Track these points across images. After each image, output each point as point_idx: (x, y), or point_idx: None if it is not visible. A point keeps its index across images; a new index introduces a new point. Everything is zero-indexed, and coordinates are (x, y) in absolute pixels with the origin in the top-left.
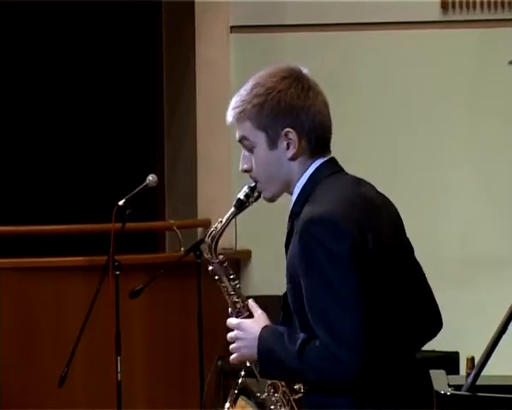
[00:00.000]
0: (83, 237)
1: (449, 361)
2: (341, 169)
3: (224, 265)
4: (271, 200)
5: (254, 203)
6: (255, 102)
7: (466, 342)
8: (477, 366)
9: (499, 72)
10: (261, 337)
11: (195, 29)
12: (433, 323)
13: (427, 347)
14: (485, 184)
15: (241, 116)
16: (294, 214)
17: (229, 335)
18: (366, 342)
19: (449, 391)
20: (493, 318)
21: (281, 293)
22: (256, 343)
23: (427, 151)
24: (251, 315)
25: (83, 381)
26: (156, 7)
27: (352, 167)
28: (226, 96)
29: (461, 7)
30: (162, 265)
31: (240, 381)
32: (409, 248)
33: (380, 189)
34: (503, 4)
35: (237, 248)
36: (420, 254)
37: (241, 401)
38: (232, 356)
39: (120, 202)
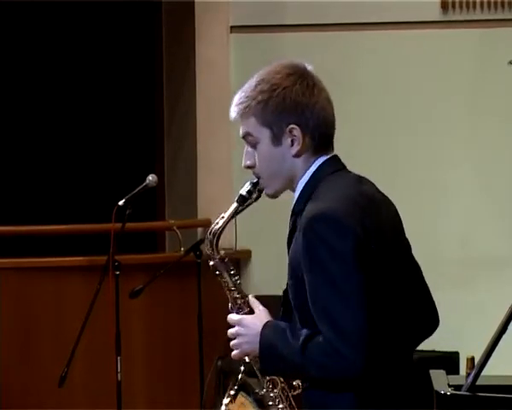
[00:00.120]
0: (83, 237)
1: (449, 361)
2: (344, 167)
3: (225, 261)
4: (274, 196)
5: (254, 203)
6: (260, 98)
7: (466, 342)
8: (477, 366)
9: (499, 72)
10: (263, 333)
11: (195, 29)
12: (430, 321)
13: (427, 347)
14: (485, 184)
15: (245, 112)
16: (297, 212)
17: (230, 331)
18: (369, 338)
19: (449, 391)
20: (493, 318)
21: (281, 293)
22: (257, 339)
23: (427, 151)
24: (251, 311)
25: (83, 381)
26: (156, 7)
27: (352, 167)
28: (226, 96)
29: (461, 7)
30: (162, 265)
31: (239, 377)
32: (407, 247)
33: (380, 188)
34: (503, 4)
35: (237, 248)
36: (420, 254)
37: (241, 398)
38: (233, 353)
39: (120, 202)
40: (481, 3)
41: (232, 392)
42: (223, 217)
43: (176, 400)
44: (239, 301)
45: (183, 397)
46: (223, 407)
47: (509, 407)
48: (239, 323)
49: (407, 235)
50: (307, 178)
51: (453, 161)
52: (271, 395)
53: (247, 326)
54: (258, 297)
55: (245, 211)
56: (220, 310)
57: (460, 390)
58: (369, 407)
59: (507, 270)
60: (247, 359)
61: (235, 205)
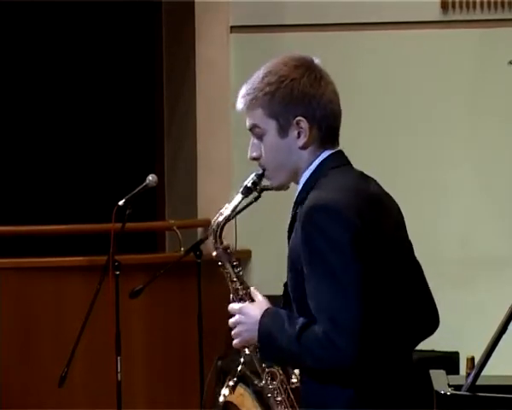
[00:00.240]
0: (83, 237)
1: (449, 361)
2: (349, 163)
3: (228, 251)
4: (279, 188)
5: (254, 203)
6: (267, 89)
7: (466, 342)
8: (477, 366)
9: (499, 72)
10: (261, 321)
11: (195, 29)
12: (430, 320)
13: (427, 347)
14: (485, 184)
15: (252, 103)
16: (299, 202)
17: (231, 320)
18: (365, 330)
19: (449, 391)
20: (493, 318)
21: (281, 293)
22: (257, 327)
23: (427, 151)
24: (253, 302)
25: (83, 381)
26: (156, 7)
27: None
28: (226, 96)
29: (461, 7)
30: (162, 265)
31: (239, 369)
32: (409, 247)
33: None
34: (503, 4)
35: (237, 248)
36: (420, 254)
37: (240, 389)
38: (234, 341)
39: (120, 202)
40: (481, 3)
41: (231, 383)
42: (227, 207)
43: (176, 400)
44: (240, 293)
45: (183, 397)
46: (221, 398)
47: (509, 407)
48: (239, 311)
49: (407, 233)
50: (312, 170)
51: (453, 161)
52: (270, 387)
53: (247, 314)
54: None
55: (245, 211)
56: (220, 310)
57: (460, 390)
58: (368, 404)
59: (507, 270)
60: (247, 351)
61: (239, 196)
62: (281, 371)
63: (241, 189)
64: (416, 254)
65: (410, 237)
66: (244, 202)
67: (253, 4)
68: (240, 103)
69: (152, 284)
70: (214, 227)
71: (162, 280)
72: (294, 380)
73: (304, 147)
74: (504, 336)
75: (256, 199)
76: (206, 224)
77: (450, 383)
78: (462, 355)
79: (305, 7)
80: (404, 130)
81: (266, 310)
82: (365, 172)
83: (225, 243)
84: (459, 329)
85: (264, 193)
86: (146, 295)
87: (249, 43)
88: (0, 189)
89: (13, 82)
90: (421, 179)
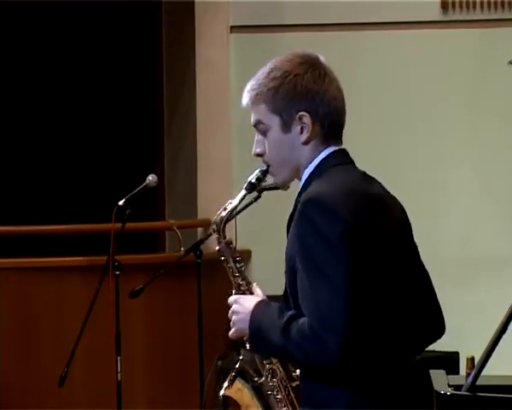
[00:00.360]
0: (83, 237)
1: (449, 361)
2: (351, 161)
3: (231, 246)
4: (282, 185)
5: (254, 203)
6: (271, 85)
7: (466, 342)
8: (477, 366)
9: (499, 72)
10: (253, 313)
11: (195, 29)
12: (435, 326)
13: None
14: (485, 184)
15: (256, 99)
16: (300, 198)
17: (230, 311)
18: (351, 327)
19: (449, 391)
20: (493, 318)
21: (281, 293)
22: (249, 318)
23: (427, 151)
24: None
25: (83, 381)
26: (156, 7)
27: None
28: (226, 96)
29: (461, 7)
30: (162, 265)
31: (237, 365)
32: (414, 251)
33: None
34: (503, 4)
35: (237, 248)
36: (420, 254)
37: (238, 384)
38: (230, 331)
39: (120, 202)
40: (481, 3)
41: (230, 378)
42: (230, 202)
43: (176, 400)
44: (242, 288)
45: (183, 397)
46: (222, 391)
47: (509, 407)
48: (235, 301)
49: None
50: (314, 167)
51: (453, 161)
52: (270, 384)
53: (242, 304)
54: None
55: (245, 211)
56: (220, 310)
57: (460, 390)
58: (367, 406)
59: (507, 270)
60: (247, 346)
61: (243, 192)
62: (281, 369)
63: (246, 185)
64: None
65: None
66: (244, 202)
67: (253, 4)
68: (245, 98)
69: (152, 284)
70: (218, 222)
71: (162, 280)
72: (295, 378)
73: (306, 142)
74: (504, 336)
75: (256, 199)
76: (206, 224)
77: (450, 383)
78: (462, 355)
79: (305, 7)
80: (404, 130)
81: (259, 302)
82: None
83: (228, 237)
84: (459, 329)
85: (265, 193)
86: (146, 295)
87: (249, 43)
88: (0, 189)
89: (13, 82)
90: (421, 179)
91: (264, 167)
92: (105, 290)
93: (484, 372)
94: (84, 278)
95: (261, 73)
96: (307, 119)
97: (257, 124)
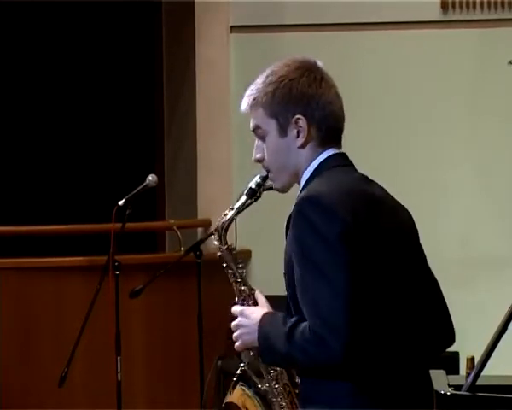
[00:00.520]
0: (83, 237)
1: (449, 361)
2: (351, 164)
3: (233, 252)
4: (282, 190)
5: (254, 203)
6: (268, 89)
7: (466, 342)
8: (477, 366)
9: (499, 72)
10: (261, 324)
11: (195, 29)
12: (444, 333)
13: None
14: (485, 184)
15: (254, 104)
16: None
17: (233, 323)
18: (352, 325)
19: (449, 391)
20: (493, 318)
21: (281, 293)
22: (257, 329)
23: (427, 151)
24: (256, 304)
25: (83, 381)
26: (156, 7)
27: None
28: (226, 96)
29: (461, 7)
30: (162, 265)
31: (240, 369)
32: (422, 257)
33: None
34: (502, 4)
35: (237, 248)
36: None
37: (239, 390)
38: (236, 344)
39: (120, 202)
40: (481, 3)
41: (233, 384)
42: (232, 208)
43: (176, 400)
44: (244, 294)
45: (183, 397)
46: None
47: (509, 407)
48: (241, 314)
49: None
50: (312, 169)
51: (453, 161)
52: (274, 390)
53: (248, 317)
54: None
55: (245, 211)
56: (220, 310)
57: (460, 390)
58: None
59: (507, 270)
60: (251, 353)
61: (244, 198)
62: (285, 375)
63: (246, 190)
64: None
65: None
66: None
67: (253, 4)
68: (243, 104)
69: (152, 284)
70: (219, 228)
71: (162, 280)
72: (299, 385)
73: (303, 146)
74: (504, 336)
75: (256, 199)
76: (206, 224)
77: (450, 383)
78: (462, 355)
79: (304, 7)
80: (404, 130)
81: (265, 314)
82: (365, 173)
83: (229, 243)
84: (459, 329)
85: (265, 193)
86: (146, 295)
87: (249, 43)
88: (0, 189)
89: (13, 82)
90: (421, 179)
91: (264, 173)
92: (105, 290)
93: (484, 372)
94: (84, 278)
95: (259, 79)
96: (303, 122)
97: (255, 129)
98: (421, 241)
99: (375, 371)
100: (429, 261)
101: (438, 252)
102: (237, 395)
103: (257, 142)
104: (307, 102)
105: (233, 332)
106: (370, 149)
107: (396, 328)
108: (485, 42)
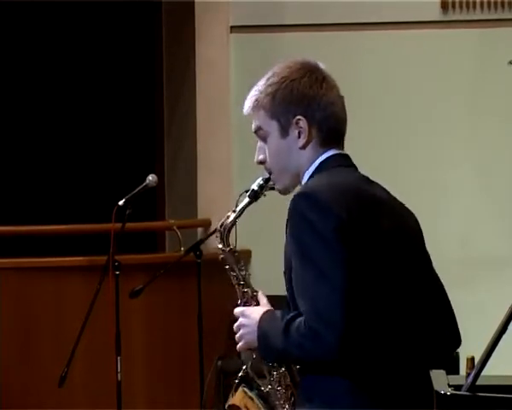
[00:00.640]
0: (83, 237)
1: (449, 361)
2: (352, 165)
3: (235, 254)
4: (285, 192)
5: (254, 203)
6: (269, 90)
7: (466, 342)
8: (477, 366)
9: (499, 72)
10: (260, 323)
11: (195, 29)
12: (449, 336)
13: None
14: (485, 184)
15: (255, 105)
16: None
17: (235, 324)
18: (348, 320)
19: (449, 391)
20: (493, 318)
21: (281, 293)
22: (256, 328)
23: (427, 151)
24: (258, 305)
25: (83, 381)
26: (156, 7)
27: None
28: (226, 96)
29: (461, 7)
30: (162, 265)
31: (242, 371)
32: (427, 262)
33: None
34: (502, 4)
35: (237, 248)
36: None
37: (241, 392)
38: (238, 344)
39: (120, 202)
40: (481, 3)
41: (235, 386)
42: (234, 211)
43: (176, 400)
44: (247, 296)
45: (183, 397)
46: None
47: (508, 407)
48: (242, 314)
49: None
50: (314, 168)
51: (453, 161)
52: (277, 393)
53: (249, 317)
54: None
55: (245, 211)
56: (220, 310)
57: (460, 390)
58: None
59: (507, 270)
60: (253, 355)
61: (246, 200)
62: (288, 377)
63: (249, 193)
64: None
65: None
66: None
67: (253, 4)
68: (246, 106)
69: (152, 284)
70: (221, 230)
71: (162, 280)
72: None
73: (304, 147)
74: (504, 336)
75: (256, 199)
76: (206, 224)
77: (450, 383)
78: (462, 355)
79: (304, 7)
80: (404, 130)
81: (264, 312)
82: (365, 173)
83: (232, 245)
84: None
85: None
86: (146, 295)
87: (249, 43)
88: (0, 189)
89: (13, 82)
90: (421, 179)
91: (267, 175)
92: (105, 290)
93: (484, 372)
94: (84, 278)
95: (261, 80)
96: (304, 123)
97: (257, 130)
98: None
99: (373, 368)
100: None
101: (438, 252)
102: (239, 397)
103: (259, 143)
104: (308, 102)
105: (235, 333)
106: (370, 149)
107: (394, 327)
108: (485, 42)
